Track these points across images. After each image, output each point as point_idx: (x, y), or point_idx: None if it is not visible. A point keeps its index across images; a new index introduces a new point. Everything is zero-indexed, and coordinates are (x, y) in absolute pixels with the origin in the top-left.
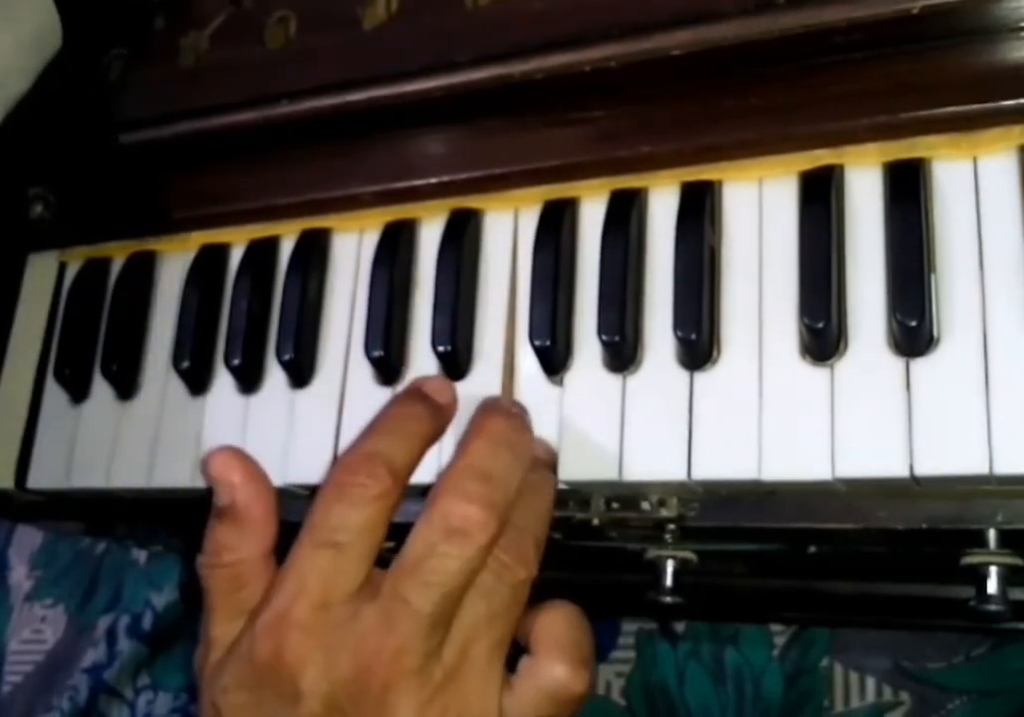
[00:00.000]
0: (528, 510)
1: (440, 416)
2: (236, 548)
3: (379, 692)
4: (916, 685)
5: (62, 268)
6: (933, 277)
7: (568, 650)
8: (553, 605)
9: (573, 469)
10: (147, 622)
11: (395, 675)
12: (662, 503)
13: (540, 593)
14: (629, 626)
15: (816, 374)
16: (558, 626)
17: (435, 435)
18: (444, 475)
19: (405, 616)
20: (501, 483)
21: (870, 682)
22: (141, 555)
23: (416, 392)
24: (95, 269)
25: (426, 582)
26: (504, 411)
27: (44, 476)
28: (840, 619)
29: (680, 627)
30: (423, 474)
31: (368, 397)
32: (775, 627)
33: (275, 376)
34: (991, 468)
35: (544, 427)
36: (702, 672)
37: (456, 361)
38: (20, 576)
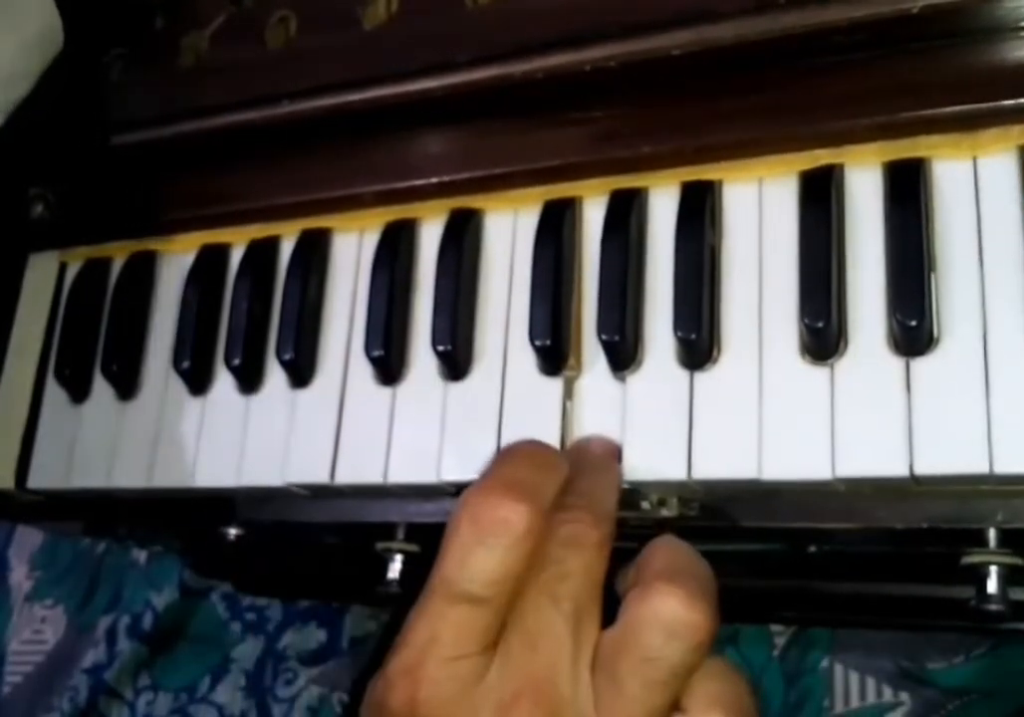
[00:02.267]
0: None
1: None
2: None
3: None
4: (916, 685)
5: (62, 268)
6: (933, 277)
7: (723, 705)
8: (707, 660)
9: None
10: (147, 622)
11: None
12: (662, 503)
13: None
14: None
15: (816, 373)
16: (713, 682)
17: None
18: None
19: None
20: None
21: (870, 682)
22: (141, 555)
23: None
24: (95, 269)
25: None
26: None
27: (44, 476)
28: (840, 619)
29: None
30: (426, 473)
31: (368, 397)
32: (775, 627)
33: (275, 376)
34: (991, 467)
35: (544, 427)
36: None
37: (456, 361)
38: (20, 576)
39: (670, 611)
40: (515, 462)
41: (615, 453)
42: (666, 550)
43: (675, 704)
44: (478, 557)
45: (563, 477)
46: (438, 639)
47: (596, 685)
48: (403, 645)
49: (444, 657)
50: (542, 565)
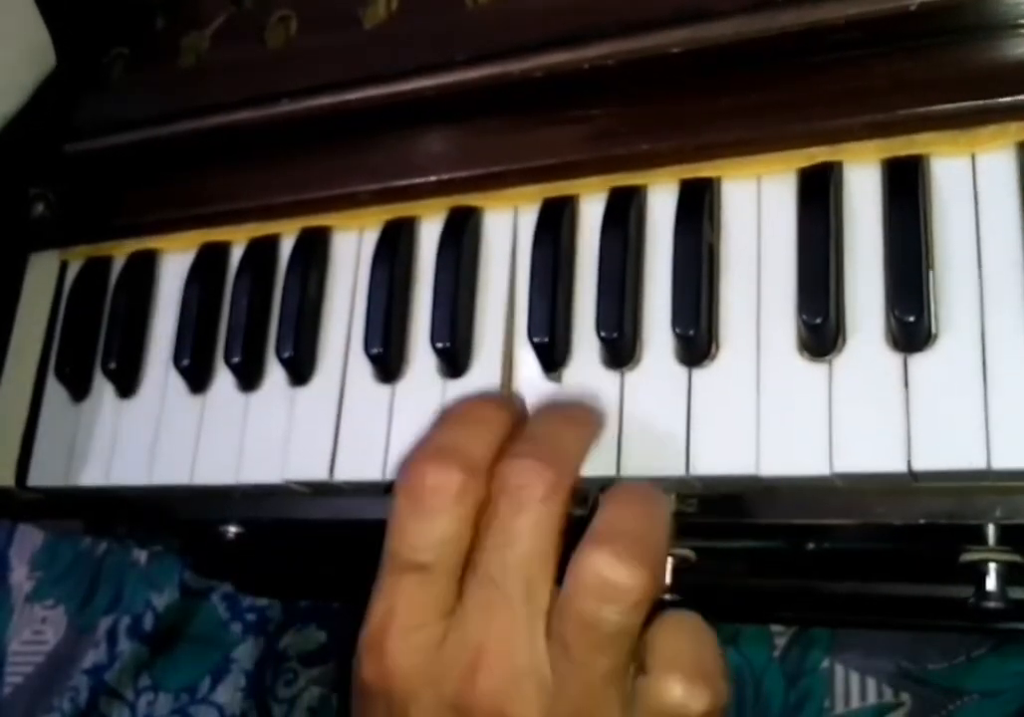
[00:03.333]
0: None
1: (516, 410)
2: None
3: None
4: (917, 686)
5: (63, 267)
6: (931, 273)
7: (685, 665)
8: (668, 616)
9: None
10: (148, 623)
11: (505, 690)
12: None
13: None
14: None
15: (814, 370)
16: (675, 639)
17: (512, 425)
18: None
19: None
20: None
21: (871, 683)
22: (141, 555)
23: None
24: (96, 268)
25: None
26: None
27: (44, 474)
28: (840, 619)
29: None
30: None
31: (367, 395)
32: (775, 627)
33: (275, 374)
34: (989, 463)
35: None
36: None
37: (455, 358)
38: (21, 577)
39: (596, 575)
40: (444, 425)
41: (595, 412)
42: (610, 507)
43: (638, 661)
44: (414, 526)
45: (501, 427)
46: (394, 611)
47: (550, 650)
48: (366, 622)
49: (403, 627)
50: (491, 529)
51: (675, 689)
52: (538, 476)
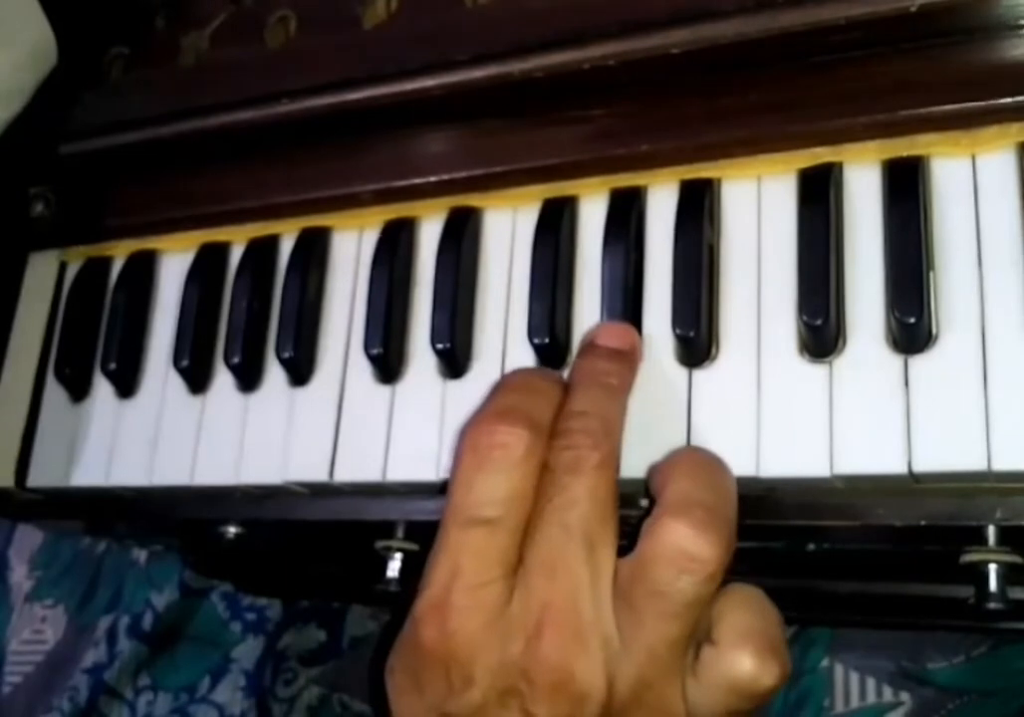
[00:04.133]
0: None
1: (563, 384)
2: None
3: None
4: (916, 685)
5: (63, 267)
6: (931, 274)
7: (757, 640)
8: (734, 590)
9: None
10: (147, 622)
11: (571, 646)
12: None
13: None
14: None
15: (814, 371)
16: (744, 613)
17: (561, 397)
18: None
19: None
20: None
21: (870, 682)
22: (141, 555)
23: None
24: (96, 268)
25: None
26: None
27: (44, 475)
28: (840, 619)
29: None
30: (425, 471)
31: (367, 395)
32: None
33: (275, 374)
34: (989, 464)
35: None
36: None
37: (455, 359)
38: (20, 576)
39: (676, 547)
40: (506, 391)
41: (624, 352)
42: (680, 475)
43: (704, 631)
44: (482, 481)
45: (556, 399)
46: (460, 569)
47: (617, 609)
48: (427, 583)
49: (468, 586)
50: (549, 495)
51: (747, 662)
52: (591, 449)
